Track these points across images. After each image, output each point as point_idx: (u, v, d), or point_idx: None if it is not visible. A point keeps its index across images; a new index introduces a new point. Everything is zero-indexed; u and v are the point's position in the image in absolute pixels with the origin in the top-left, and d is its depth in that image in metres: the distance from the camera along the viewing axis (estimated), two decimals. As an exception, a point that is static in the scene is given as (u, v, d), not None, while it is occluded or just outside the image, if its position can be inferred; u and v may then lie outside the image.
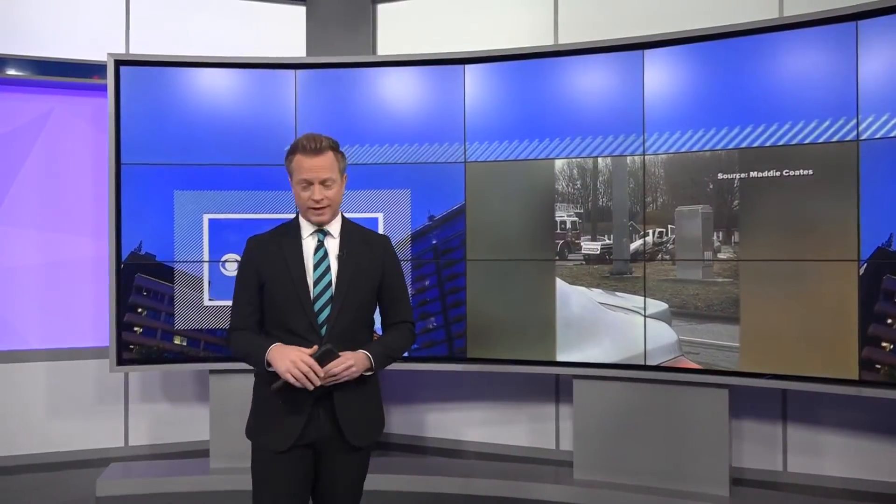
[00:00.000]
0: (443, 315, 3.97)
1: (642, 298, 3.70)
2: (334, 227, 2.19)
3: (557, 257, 3.84)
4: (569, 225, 3.83)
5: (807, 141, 3.34)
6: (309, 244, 2.15)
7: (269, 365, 2.05)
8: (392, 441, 4.72)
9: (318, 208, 2.12)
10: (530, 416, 4.46)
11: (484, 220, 3.93)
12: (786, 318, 3.38)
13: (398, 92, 4.02)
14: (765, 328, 3.43)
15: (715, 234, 3.56)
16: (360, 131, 3.97)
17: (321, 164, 2.10)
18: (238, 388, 3.80)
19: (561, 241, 3.85)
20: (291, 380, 1.98)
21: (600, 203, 3.79)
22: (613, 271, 3.77)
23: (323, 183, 2.11)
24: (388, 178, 4.00)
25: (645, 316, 3.69)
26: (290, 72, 4.02)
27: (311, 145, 2.10)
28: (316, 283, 2.12)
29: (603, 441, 3.77)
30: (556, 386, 4.39)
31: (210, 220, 3.98)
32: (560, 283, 3.84)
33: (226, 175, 3.97)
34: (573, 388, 3.85)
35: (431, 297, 3.98)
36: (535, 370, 3.91)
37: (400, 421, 4.74)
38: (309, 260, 2.14)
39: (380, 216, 4.01)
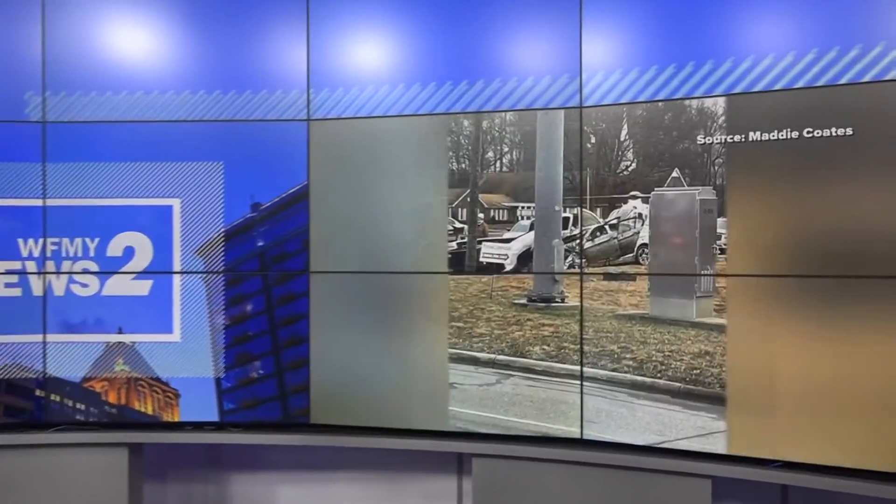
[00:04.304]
0: (273, 358, 2.77)
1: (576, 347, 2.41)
2: None
3: (451, 270, 2.55)
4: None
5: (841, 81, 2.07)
6: None
7: None
8: (229, 528, 3.42)
9: None
10: (423, 492, 3.35)
11: (338, 211, 2.71)
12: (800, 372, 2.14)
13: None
14: (758, 391, 2.18)
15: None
16: (129, 69, 2.68)
17: None
18: None
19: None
20: None
21: (505, 170, 2.50)
22: (533, 295, 2.45)
23: None
24: (187, 144, 2.76)
25: (582, 379, 2.36)
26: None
27: None
28: None
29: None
30: (458, 454, 3.17)
31: None
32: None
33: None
34: (472, 468, 2.65)
35: (256, 329, 2.77)
36: (413, 444, 2.69)
37: (239, 497, 3.43)
38: None
39: (175, 203, 2.77)
